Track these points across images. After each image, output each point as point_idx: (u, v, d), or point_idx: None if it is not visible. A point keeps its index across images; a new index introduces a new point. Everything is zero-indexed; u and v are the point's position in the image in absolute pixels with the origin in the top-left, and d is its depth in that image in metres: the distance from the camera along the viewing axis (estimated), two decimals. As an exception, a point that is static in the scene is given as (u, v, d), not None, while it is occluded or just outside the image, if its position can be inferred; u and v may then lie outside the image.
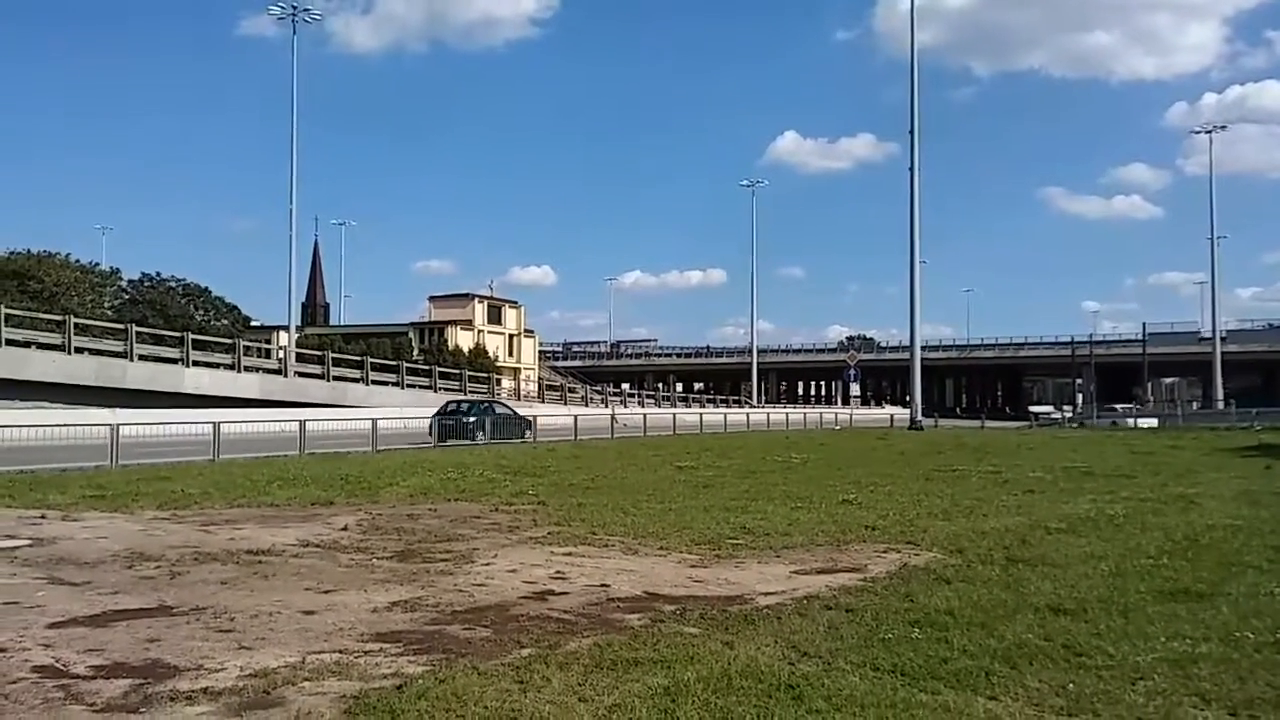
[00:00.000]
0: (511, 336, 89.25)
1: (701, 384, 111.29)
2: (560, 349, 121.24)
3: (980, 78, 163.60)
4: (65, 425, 20.43)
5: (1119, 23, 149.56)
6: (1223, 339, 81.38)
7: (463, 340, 78.76)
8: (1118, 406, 68.93)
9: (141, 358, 36.53)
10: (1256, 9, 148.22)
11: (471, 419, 30.42)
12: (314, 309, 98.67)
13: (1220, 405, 67.01)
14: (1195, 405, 78.75)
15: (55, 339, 34.45)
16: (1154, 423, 54.01)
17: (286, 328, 54.43)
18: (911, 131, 52.69)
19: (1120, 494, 14.26)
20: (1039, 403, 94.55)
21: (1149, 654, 5.37)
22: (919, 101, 52.84)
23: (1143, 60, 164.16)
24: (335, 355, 46.99)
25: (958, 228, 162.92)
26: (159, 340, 39.94)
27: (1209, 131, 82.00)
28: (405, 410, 34.03)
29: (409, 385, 47.52)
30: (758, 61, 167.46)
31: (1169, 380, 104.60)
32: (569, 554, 8.98)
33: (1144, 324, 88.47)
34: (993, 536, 9.85)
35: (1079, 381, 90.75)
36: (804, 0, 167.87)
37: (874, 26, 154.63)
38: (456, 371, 54.08)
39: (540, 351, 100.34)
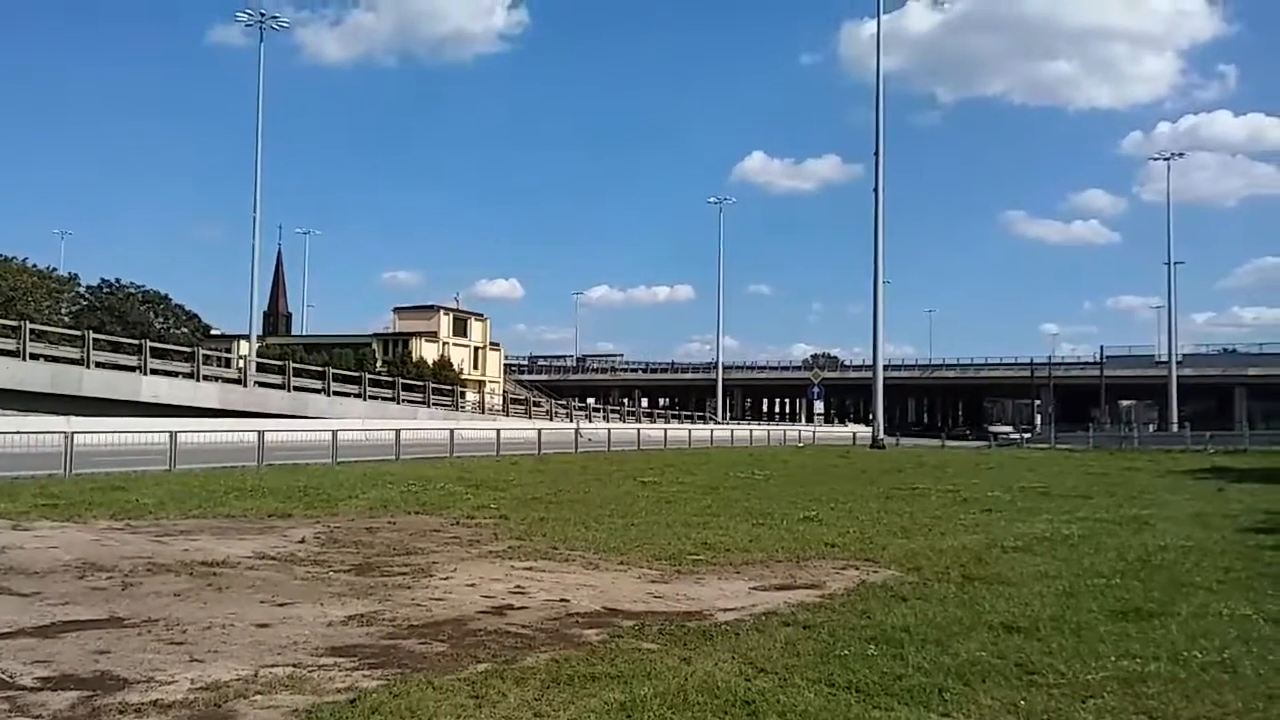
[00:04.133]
0: (477, 349, 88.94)
1: (667, 400, 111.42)
2: (526, 362, 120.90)
3: (944, 103, 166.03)
4: (18, 433, 20.02)
5: (1078, 52, 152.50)
6: (1179, 363, 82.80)
7: (427, 352, 78.35)
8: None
9: (98, 365, 35.91)
10: (1210, 43, 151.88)
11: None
12: (276, 318, 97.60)
13: (1175, 428, 68.11)
14: (1152, 428, 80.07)
15: (10, 344, 33.78)
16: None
17: (247, 337, 53.92)
18: (876, 154, 53.55)
19: (1076, 514, 14.43)
20: (998, 422, 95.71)
21: (1099, 672, 5.45)
22: (884, 125, 53.57)
23: (1100, 89, 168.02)
24: (297, 365, 46.47)
25: (921, 249, 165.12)
26: (116, 347, 39.32)
27: (1167, 159, 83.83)
28: (367, 422, 33.76)
29: (371, 397, 47.07)
30: (725, 82, 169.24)
31: (1126, 403, 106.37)
32: (529, 568, 8.94)
33: (1101, 347, 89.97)
34: (950, 555, 9.94)
35: (1038, 403, 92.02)
36: (769, 24, 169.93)
37: (839, 52, 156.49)
38: (420, 384, 53.71)
39: (506, 365, 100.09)
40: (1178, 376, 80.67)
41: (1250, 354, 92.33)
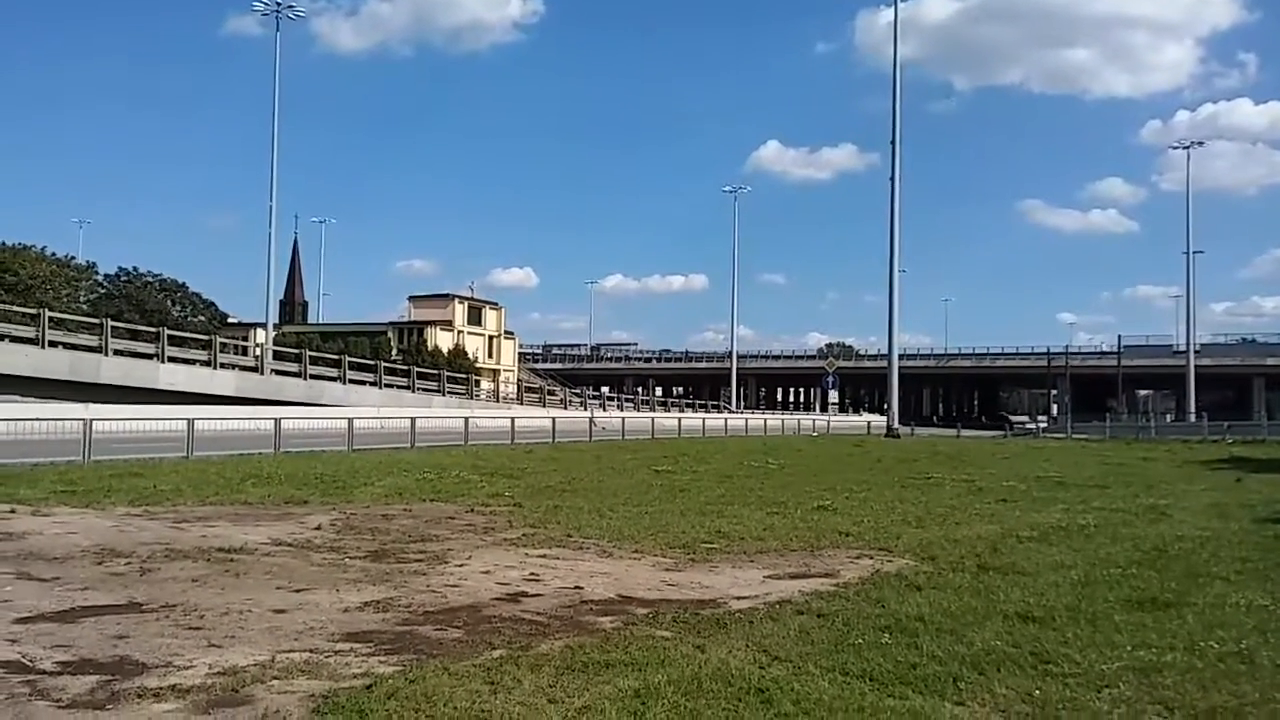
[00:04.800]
0: (491, 338, 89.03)
1: (681, 389, 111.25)
2: (540, 351, 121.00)
3: (961, 91, 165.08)
4: (37, 419, 20.21)
5: (1096, 40, 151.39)
6: (1196, 353, 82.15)
7: (442, 341, 78.46)
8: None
9: (116, 353, 36.15)
10: (1230, 31, 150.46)
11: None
12: (292, 307, 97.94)
13: (1193, 418, 67.63)
14: (1169, 418, 79.56)
15: (29, 332, 34.05)
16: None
17: (264, 325, 54.14)
18: (893, 142, 53.14)
19: (1092, 504, 14.38)
20: (1015, 413, 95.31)
21: (1115, 662, 5.43)
22: (900, 114, 53.25)
23: (1118, 77, 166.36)
24: (313, 354, 46.63)
25: (937, 238, 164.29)
26: (134, 335, 39.58)
27: (1187, 147, 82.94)
28: (382, 410, 33.91)
29: (386, 385, 47.23)
30: (740, 71, 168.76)
31: (1144, 393, 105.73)
32: (543, 556, 8.97)
33: (1119, 336, 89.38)
34: (965, 544, 9.92)
35: (1054, 392, 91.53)
36: (784, 13, 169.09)
37: (854, 40, 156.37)
38: (435, 372, 53.83)
39: (520, 353, 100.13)
40: (1196, 366, 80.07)
41: (1269, 344, 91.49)
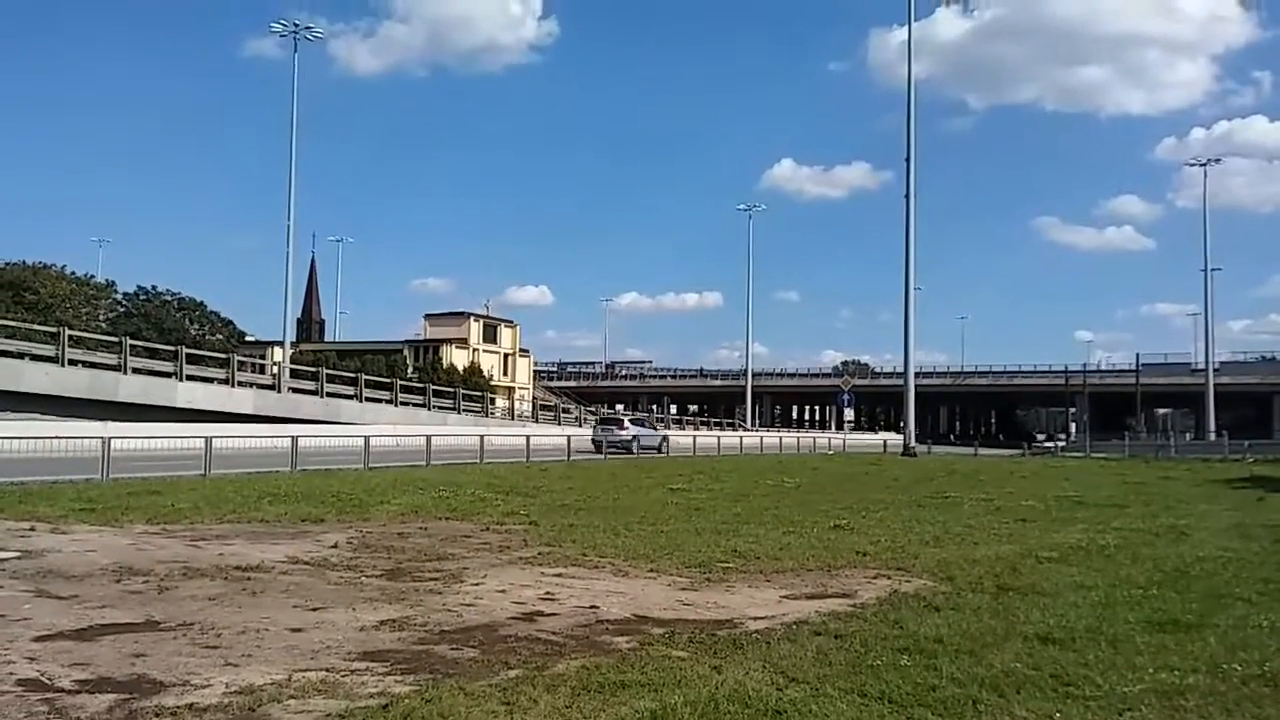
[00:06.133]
0: (506, 356, 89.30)
1: (696, 406, 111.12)
2: (555, 369, 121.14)
3: (975, 109, 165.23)
4: (56, 437, 20.32)
5: (1110, 59, 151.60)
6: (1215, 371, 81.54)
7: (458, 359, 78.78)
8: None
9: (135, 371, 36.46)
10: (1244, 48, 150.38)
11: None
12: (309, 325, 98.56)
13: (1213, 437, 67.04)
14: (1188, 436, 78.87)
15: (49, 351, 34.39)
16: None
17: (281, 343, 54.45)
18: (908, 160, 53.01)
19: (1112, 524, 14.25)
20: (1033, 431, 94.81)
21: (1136, 685, 5.37)
22: (915, 131, 53.23)
23: (1133, 95, 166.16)
24: (329, 372, 46.92)
25: (952, 256, 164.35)
26: (153, 354, 39.91)
27: (1203, 165, 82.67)
28: (398, 428, 34.03)
29: (402, 403, 47.46)
30: (754, 90, 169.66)
31: (1162, 411, 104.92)
32: (559, 575, 8.95)
33: (1137, 354, 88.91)
34: (983, 564, 9.84)
35: (1072, 411, 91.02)
36: (798, 32, 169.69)
37: (867, 59, 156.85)
38: (450, 390, 54.05)
39: (535, 371, 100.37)
40: (1215, 384, 79.44)
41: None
